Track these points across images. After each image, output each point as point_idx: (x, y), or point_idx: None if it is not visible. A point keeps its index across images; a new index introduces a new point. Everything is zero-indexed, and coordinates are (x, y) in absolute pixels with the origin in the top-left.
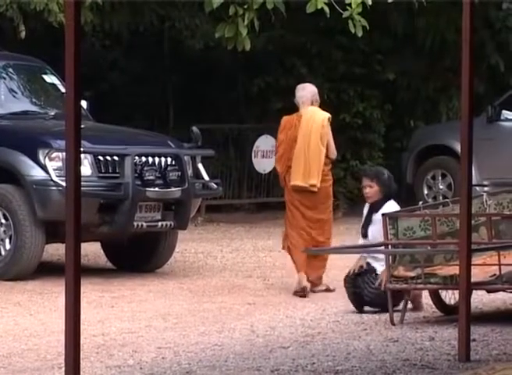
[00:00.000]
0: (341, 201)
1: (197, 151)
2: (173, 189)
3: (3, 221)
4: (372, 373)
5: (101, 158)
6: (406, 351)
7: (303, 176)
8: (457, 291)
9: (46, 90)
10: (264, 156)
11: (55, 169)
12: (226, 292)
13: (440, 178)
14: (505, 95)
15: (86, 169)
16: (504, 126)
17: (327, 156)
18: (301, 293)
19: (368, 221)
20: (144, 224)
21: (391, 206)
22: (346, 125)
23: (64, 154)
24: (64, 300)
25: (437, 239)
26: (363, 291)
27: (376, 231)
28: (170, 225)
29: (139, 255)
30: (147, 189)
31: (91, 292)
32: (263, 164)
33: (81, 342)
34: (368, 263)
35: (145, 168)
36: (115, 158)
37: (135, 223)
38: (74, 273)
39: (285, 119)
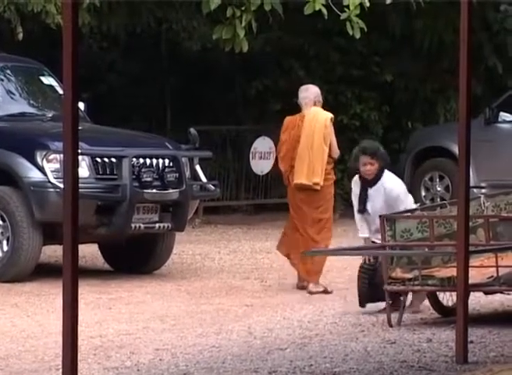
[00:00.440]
0: (338, 203)
1: (194, 153)
2: (171, 191)
3: (0, 223)
4: None
5: (98, 159)
6: (403, 352)
7: (307, 175)
8: (455, 293)
9: (44, 91)
10: (261, 158)
11: (52, 171)
12: (224, 294)
13: (438, 180)
14: (503, 97)
15: (83, 170)
16: (502, 128)
17: (330, 156)
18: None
19: (365, 196)
20: (142, 226)
21: (389, 177)
22: (343, 127)
23: (62, 156)
24: (61, 301)
25: (435, 241)
26: (380, 285)
27: (377, 205)
28: (168, 227)
29: (136, 257)
30: (145, 191)
31: (89, 294)
32: (261, 165)
33: (79, 344)
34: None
35: (143, 170)
36: (113, 159)
37: (133, 225)
38: (72, 275)
39: (288, 119)
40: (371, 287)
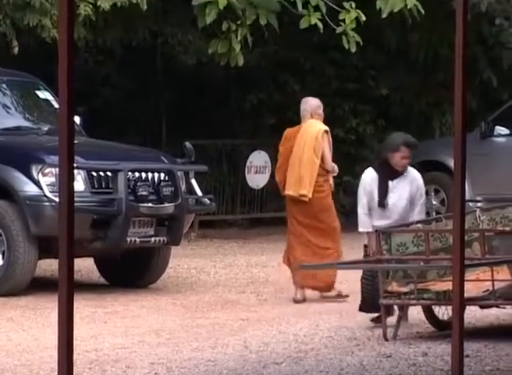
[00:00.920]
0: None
1: (190, 167)
2: (166, 204)
3: None
4: None
5: (94, 173)
6: (399, 366)
7: (294, 187)
8: (450, 307)
9: (39, 105)
10: (257, 172)
11: (48, 185)
12: (219, 308)
13: (433, 194)
14: (498, 111)
15: (79, 184)
16: (497, 141)
17: (323, 168)
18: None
19: (385, 190)
20: (137, 240)
21: (412, 169)
22: (339, 141)
23: (57, 169)
24: (57, 315)
25: (430, 255)
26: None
27: (403, 195)
28: (163, 240)
29: (132, 271)
30: (141, 204)
31: (84, 308)
32: (256, 180)
33: (74, 358)
34: None
35: (138, 183)
36: (109, 173)
37: (128, 239)
38: (67, 289)
39: (287, 131)
40: (373, 293)
